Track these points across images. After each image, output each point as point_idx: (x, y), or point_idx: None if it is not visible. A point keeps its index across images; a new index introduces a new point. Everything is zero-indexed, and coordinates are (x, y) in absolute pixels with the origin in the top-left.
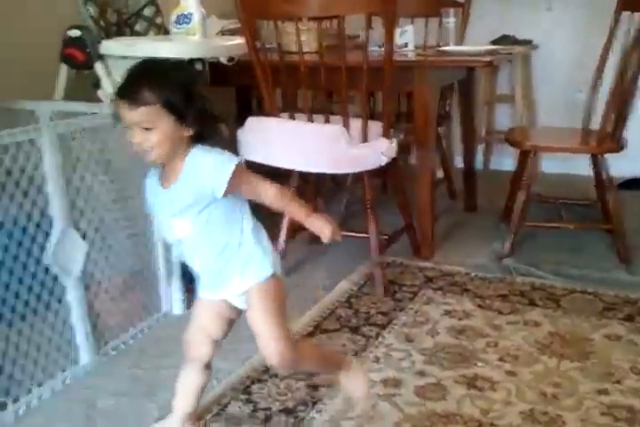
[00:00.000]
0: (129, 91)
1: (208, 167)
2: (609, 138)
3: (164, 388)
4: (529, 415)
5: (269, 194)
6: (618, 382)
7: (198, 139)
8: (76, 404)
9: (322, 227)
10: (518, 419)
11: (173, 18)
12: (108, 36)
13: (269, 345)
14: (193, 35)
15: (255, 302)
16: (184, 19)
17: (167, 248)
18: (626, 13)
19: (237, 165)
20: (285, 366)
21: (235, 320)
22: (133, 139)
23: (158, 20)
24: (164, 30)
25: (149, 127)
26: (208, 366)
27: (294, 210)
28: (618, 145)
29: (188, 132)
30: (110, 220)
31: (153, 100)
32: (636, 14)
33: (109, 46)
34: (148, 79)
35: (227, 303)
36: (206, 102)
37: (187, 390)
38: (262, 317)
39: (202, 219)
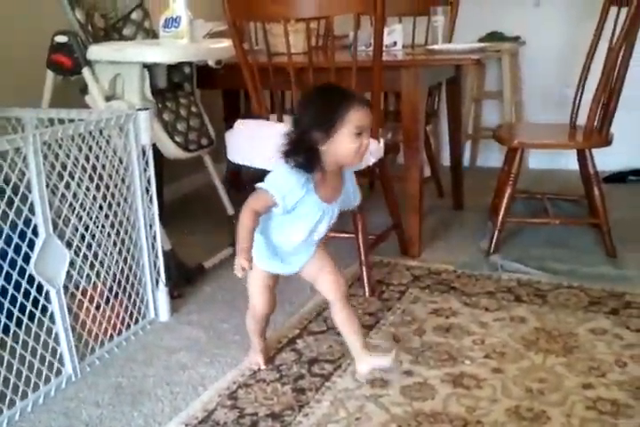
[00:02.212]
0: (364, 99)
1: (355, 187)
2: (596, 133)
3: (149, 396)
4: (514, 412)
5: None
6: (602, 375)
7: None
8: (59, 415)
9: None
10: (504, 416)
11: (162, 21)
12: (96, 41)
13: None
14: (181, 38)
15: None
16: (172, 22)
17: (154, 255)
18: (613, 9)
19: None
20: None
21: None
22: (365, 141)
23: (147, 24)
24: (152, 34)
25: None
26: None
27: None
28: (605, 140)
29: None
30: (95, 226)
31: None
32: (623, 10)
33: (97, 51)
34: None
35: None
36: None
37: None
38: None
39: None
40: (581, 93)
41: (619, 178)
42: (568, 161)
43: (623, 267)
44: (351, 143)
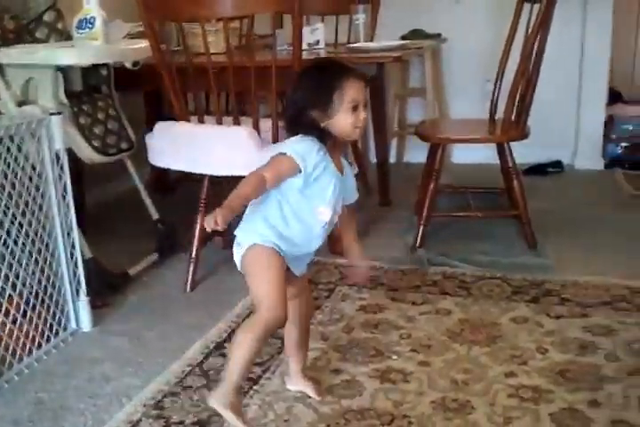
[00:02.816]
0: (359, 73)
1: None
2: (513, 126)
3: (71, 411)
4: (440, 404)
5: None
6: (524, 363)
7: None
8: None
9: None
10: (430, 408)
11: (75, 22)
12: (6, 43)
13: None
14: (96, 39)
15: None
16: (86, 23)
17: (74, 264)
18: (527, 6)
19: None
20: None
21: None
22: (361, 115)
23: (60, 26)
24: (66, 36)
25: (366, 106)
26: None
27: (352, 236)
28: (522, 133)
29: None
30: (9, 237)
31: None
32: (535, 6)
33: (7, 54)
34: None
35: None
36: None
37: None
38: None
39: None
40: (499, 88)
41: (539, 170)
42: (490, 155)
43: (543, 256)
44: (348, 118)
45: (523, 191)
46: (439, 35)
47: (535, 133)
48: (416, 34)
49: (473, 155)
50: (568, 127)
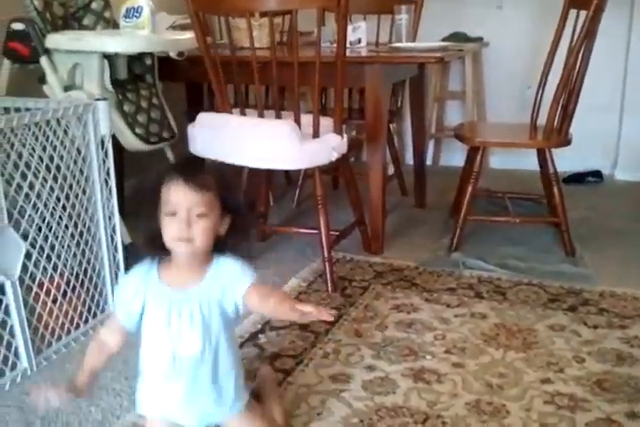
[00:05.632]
0: (192, 172)
1: (235, 272)
2: (555, 133)
3: (107, 391)
4: (474, 406)
5: (271, 302)
6: (561, 371)
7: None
8: (14, 409)
9: (312, 310)
10: (464, 410)
11: (123, 11)
12: (54, 29)
13: None
14: (142, 28)
15: None
16: (133, 12)
17: (114, 248)
18: (573, 12)
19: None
20: None
21: None
22: (181, 224)
23: (107, 14)
24: (112, 24)
25: (204, 214)
26: None
27: (286, 308)
28: (564, 140)
29: (223, 230)
30: (53, 218)
31: (213, 187)
32: (582, 12)
33: (55, 40)
34: (203, 168)
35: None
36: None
37: None
38: None
39: (212, 337)
40: (542, 94)
41: (577, 179)
42: (528, 161)
43: (581, 265)
44: (165, 226)
45: (562, 198)
46: (481, 38)
47: (575, 142)
48: (457, 37)
49: (510, 161)
50: (609, 137)
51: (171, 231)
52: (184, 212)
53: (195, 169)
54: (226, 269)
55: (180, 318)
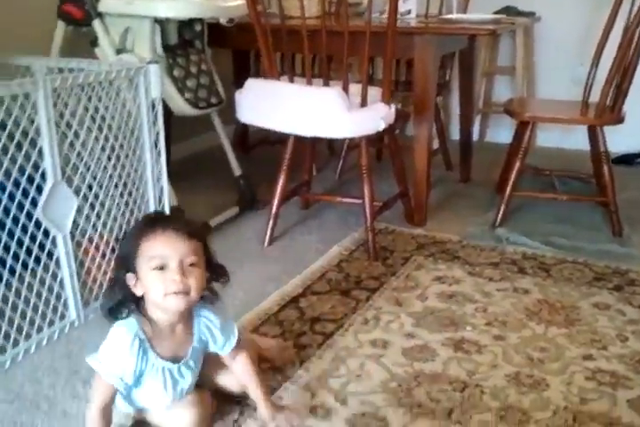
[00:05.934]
0: (180, 221)
1: (220, 335)
2: (608, 110)
3: None
4: (514, 378)
5: (245, 356)
6: (603, 348)
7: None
8: (62, 357)
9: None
10: (503, 381)
11: None
12: None
13: None
14: None
15: None
16: None
17: (161, 209)
18: None
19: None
20: None
21: None
22: (174, 276)
23: None
24: None
25: (196, 262)
26: None
27: (256, 384)
28: (617, 117)
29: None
30: (103, 176)
31: (201, 237)
32: None
33: (108, 4)
34: (186, 218)
35: None
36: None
37: None
38: None
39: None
40: (595, 72)
41: (626, 160)
42: (576, 140)
43: (628, 245)
44: (153, 282)
45: (612, 178)
46: (533, 13)
47: (626, 121)
48: (509, 10)
49: (557, 139)
50: None
51: (163, 286)
52: (176, 263)
53: (176, 218)
54: (211, 327)
55: (177, 384)
